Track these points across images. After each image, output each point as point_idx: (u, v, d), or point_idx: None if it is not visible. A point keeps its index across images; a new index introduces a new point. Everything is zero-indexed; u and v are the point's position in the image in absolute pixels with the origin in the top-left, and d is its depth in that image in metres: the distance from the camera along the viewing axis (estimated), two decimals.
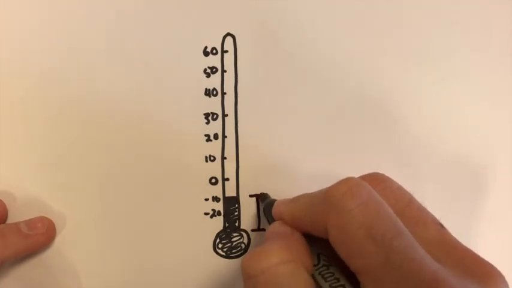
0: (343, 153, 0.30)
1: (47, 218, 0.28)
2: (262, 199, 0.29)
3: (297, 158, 0.29)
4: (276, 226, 0.23)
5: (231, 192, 0.29)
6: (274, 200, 0.26)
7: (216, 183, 0.29)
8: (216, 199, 0.29)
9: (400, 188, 0.21)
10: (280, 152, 0.29)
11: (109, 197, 0.29)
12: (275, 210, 0.25)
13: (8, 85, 0.28)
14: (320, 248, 0.21)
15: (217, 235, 0.29)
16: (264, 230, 0.29)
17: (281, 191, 0.29)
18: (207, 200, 0.29)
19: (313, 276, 0.20)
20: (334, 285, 0.19)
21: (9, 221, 0.28)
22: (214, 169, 0.29)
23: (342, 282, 0.19)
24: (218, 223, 0.29)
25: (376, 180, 0.21)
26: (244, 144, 0.29)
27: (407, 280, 0.16)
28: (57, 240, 0.29)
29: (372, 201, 0.19)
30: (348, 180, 0.19)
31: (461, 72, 0.30)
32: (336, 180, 0.29)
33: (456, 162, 0.31)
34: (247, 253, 0.20)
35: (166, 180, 0.29)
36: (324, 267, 0.20)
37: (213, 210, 0.29)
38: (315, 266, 0.20)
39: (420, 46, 0.30)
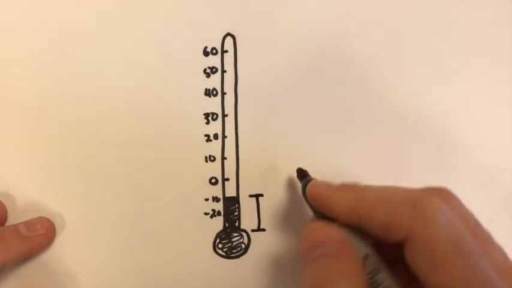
0: (343, 153, 0.30)
1: (46, 219, 0.28)
2: (301, 176, 0.27)
3: (297, 158, 0.29)
4: (321, 231, 0.22)
5: (231, 192, 0.29)
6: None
7: (216, 183, 0.29)
8: (216, 199, 0.29)
9: (467, 210, 0.21)
10: (280, 152, 0.29)
11: (109, 197, 0.29)
12: (315, 191, 0.24)
13: (7, 86, 0.28)
14: (365, 244, 0.21)
15: (217, 235, 0.29)
16: (264, 230, 0.29)
17: (281, 191, 0.29)
18: (207, 200, 0.29)
19: None
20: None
21: (9, 221, 0.28)
22: (214, 169, 0.29)
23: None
24: (218, 223, 0.29)
25: (450, 196, 0.21)
26: (244, 144, 0.29)
27: None
28: (57, 240, 0.29)
29: (461, 219, 0.19)
30: (443, 192, 0.20)
31: (461, 72, 0.30)
32: (336, 180, 0.29)
33: (456, 162, 0.31)
34: (303, 279, 0.20)
35: (166, 180, 0.29)
36: (371, 275, 0.20)
37: (213, 210, 0.29)
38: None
39: (419, 46, 0.30)
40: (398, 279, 0.21)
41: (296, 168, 0.28)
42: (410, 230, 0.19)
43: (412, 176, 0.30)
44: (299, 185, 0.29)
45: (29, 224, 0.27)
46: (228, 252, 0.29)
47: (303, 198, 0.26)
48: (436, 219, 0.19)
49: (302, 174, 0.28)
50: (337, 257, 0.20)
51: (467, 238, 0.19)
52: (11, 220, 0.28)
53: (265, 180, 0.29)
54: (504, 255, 0.20)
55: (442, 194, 0.21)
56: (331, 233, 0.21)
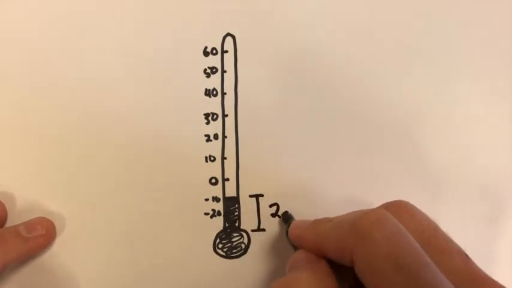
0: (343, 153, 0.30)
1: (46, 219, 0.28)
2: (285, 219, 0.29)
3: (297, 158, 0.29)
4: (300, 253, 0.23)
5: (231, 192, 0.29)
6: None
7: (216, 183, 0.29)
8: (216, 199, 0.29)
9: (425, 218, 0.22)
10: (280, 152, 0.29)
11: (109, 198, 0.29)
12: (292, 232, 0.25)
13: (7, 86, 0.28)
14: (346, 276, 0.21)
15: (217, 235, 0.29)
16: (264, 230, 0.29)
17: (281, 191, 0.29)
18: (207, 200, 0.29)
19: None
20: None
21: (9, 221, 0.28)
22: (214, 169, 0.29)
23: None
24: (218, 223, 0.29)
25: (401, 209, 0.21)
26: (244, 144, 0.29)
27: None
28: (57, 241, 0.29)
29: (398, 233, 0.19)
30: (375, 212, 0.20)
31: (461, 72, 0.30)
32: (336, 181, 0.29)
33: (456, 162, 0.31)
34: (275, 282, 0.21)
35: (166, 180, 0.29)
36: None
37: (213, 210, 0.29)
38: None
39: (419, 46, 0.30)
40: None
41: (296, 168, 0.28)
42: (353, 252, 0.20)
43: (412, 176, 0.30)
44: (299, 184, 0.29)
45: (29, 225, 0.27)
46: (228, 252, 0.29)
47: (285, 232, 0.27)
48: (372, 236, 0.19)
49: (286, 217, 0.29)
50: (314, 266, 0.21)
51: (411, 250, 0.18)
52: (11, 220, 0.28)
53: (265, 180, 0.29)
54: (464, 262, 0.20)
55: (390, 207, 0.21)
56: (312, 255, 0.23)
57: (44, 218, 0.28)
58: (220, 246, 0.29)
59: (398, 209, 0.21)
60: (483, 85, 0.31)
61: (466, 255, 0.20)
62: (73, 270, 0.29)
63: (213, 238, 0.29)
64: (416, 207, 0.22)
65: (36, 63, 0.28)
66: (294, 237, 0.25)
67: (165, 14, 0.28)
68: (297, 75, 0.29)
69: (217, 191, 0.29)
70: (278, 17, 0.29)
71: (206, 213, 0.29)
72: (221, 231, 0.29)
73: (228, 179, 0.29)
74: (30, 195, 0.28)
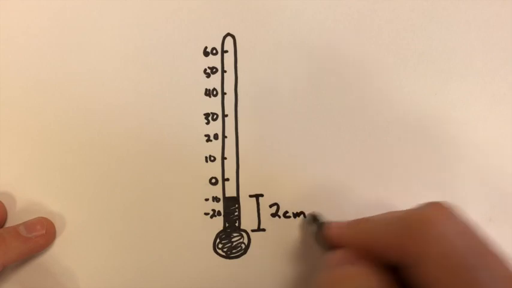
0: (344, 152, 0.30)
1: (46, 219, 0.28)
2: (313, 219, 0.28)
3: (297, 158, 0.29)
4: (342, 252, 0.22)
5: (231, 192, 0.29)
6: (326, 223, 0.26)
7: (216, 183, 0.29)
8: (216, 199, 0.29)
9: (465, 220, 0.21)
10: (280, 152, 0.29)
11: (109, 198, 0.29)
12: (333, 231, 0.24)
13: (7, 86, 0.28)
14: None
15: (217, 235, 0.29)
16: (264, 230, 0.29)
17: (281, 191, 0.29)
18: (207, 200, 0.29)
19: None
20: None
21: (9, 221, 0.28)
22: (214, 169, 0.29)
23: None
24: (218, 223, 0.29)
25: (449, 209, 0.20)
26: (244, 144, 0.29)
27: None
28: (57, 241, 0.29)
29: (469, 228, 0.18)
30: (438, 206, 0.19)
31: (461, 72, 0.30)
32: (336, 181, 0.29)
33: (456, 162, 0.31)
34: (323, 273, 0.20)
35: (167, 180, 0.29)
36: None
37: (213, 210, 0.29)
38: None
39: (419, 46, 0.30)
40: None
41: (296, 168, 0.28)
42: (421, 250, 0.19)
43: (412, 177, 0.30)
44: (299, 184, 0.29)
45: (29, 225, 0.27)
46: (228, 252, 0.29)
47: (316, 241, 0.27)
48: (445, 232, 0.18)
49: (314, 218, 0.28)
50: (360, 263, 0.20)
51: (485, 247, 0.18)
52: (11, 220, 0.28)
53: (265, 180, 0.29)
54: (503, 265, 0.19)
55: (438, 207, 0.20)
56: (353, 255, 0.22)
57: (43, 218, 0.28)
58: (220, 246, 0.29)
59: (446, 207, 0.20)
60: (483, 85, 0.31)
61: (502, 257, 0.19)
62: (73, 270, 0.29)
63: (213, 238, 0.29)
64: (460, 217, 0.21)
65: (35, 64, 0.28)
66: (335, 236, 0.24)
67: (165, 14, 0.28)
68: (297, 75, 0.29)
69: (217, 191, 0.29)
70: (278, 17, 0.29)
71: (206, 213, 0.29)
72: (221, 231, 0.29)
73: (228, 179, 0.29)
74: (30, 195, 0.28)
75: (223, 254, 0.29)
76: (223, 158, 0.29)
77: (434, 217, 0.19)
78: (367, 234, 0.22)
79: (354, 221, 0.23)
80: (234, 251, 0.29)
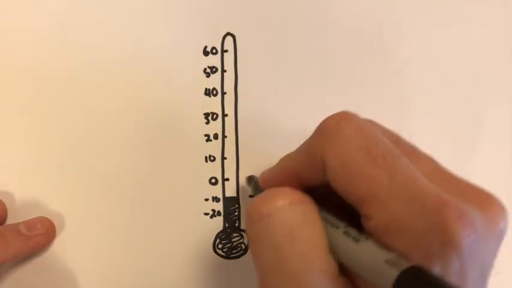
0: None
1: (46, 219, 0.28)
2: (249, 180, 0.28)
3: None
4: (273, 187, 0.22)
5: (231, 192, 0.29)
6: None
7: (216, 183, 0.29)
8: (216, 199, 0.29)
9: (387, 128, 0.21)
10: (280, 152, 0.29)
11: (109, 198, 0.29)
12: (261, 178, 0.24)
13: (7, 85, 0.28)
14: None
15: (217, 235, 0.29)
16: None
17: None
18: (207, 200, 0.29)
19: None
20: (338, 225, 0.19)
21: (9, 221, 0.28)
22: (214, 169, 0.29)
23: (344, 224, 0.19)
24: (218, 223, 0.29)
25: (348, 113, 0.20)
26: (244, 144, 0.29)
27: (413, 201, 0.16)
28: (57, 240, 0.29)
29: (367, 127, 0.18)
30: (339, 112, 0.19)
31: (461, 72, 0.30)
32: None
33: (456, 162, 0.31)
34: (255, 197, 0.20)
35: (166, 180, 0.29)
36: (325, 215, 0.20)
37: (213, 210, 0.29)
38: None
39: (419, 45, 0.30)
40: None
41: None
42: (324, 154, 0.19)
43: None
44: None
45: (29, 224, 0.27)
46: (228, 253, 0.29)
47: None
48: (341, 131, 0.18)
49: (250, 178, 0.28)
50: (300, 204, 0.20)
51: (382, 142, 0.18)
52: (11, 220, 0.28)
53: None
54: (432, 163, 0.19)
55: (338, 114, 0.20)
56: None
57: (44, 217, 0.28)
58: (220, 246, 0.29)
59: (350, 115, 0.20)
60: (483, 85, 0.31)
61: (433, 159, 0.20)
62: (72, 270, 0.29)
63: (213, 238, 0.29)
64: (378, 122, 0.22)
65: (36, 63, 0.28)
66: (264, 180, 0.23)
67: (165, 14, 0.28)
68: (297, 74, 0.29)
69: (217, 191, 0.29)
70: (278, 17, 0.29)
71: (206, 213, 0.29)
72: (221, 232, 0.29)
73: (228, 179, 0.29)
74: (30, 195, 0.28)
75: (223, 254, 0.29)
76: (223, 158, 0.29)
77: (335, 119, 0.19)
78: (288, 162, 0.22)
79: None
80: (234, 251, 0.29)
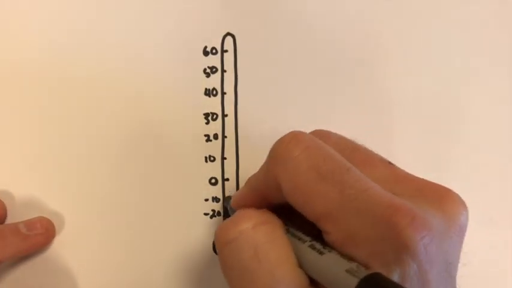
0: None
1: (46, 219, 0.28)
2: (227, 202, 0.28)
3: None
4: (240, 209, 0.22)
5: (231, 192, 0.29)
6: None
7: (216, 183, 0.29)
8: (216, 199, 0.29)
9: (342, 138, 0.21)
10: None
11: (108, 197, 0.29)
12: (233, 200, 0.24)
13: (6, 85, 0.28)
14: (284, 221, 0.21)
15: None
16: None
17: None
18: (207, 200, 0.29)
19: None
20: (304, 240, 0.19)
21: (9, 221, 0.28)
22: (214, 169, 0.29)
23: (310, 238, 0.19)
24: (218, 223, 0.29)
25: (317, 134, 0.21)
26: (244, 144, 0.29)
27: (365, 211, 0.17)
28: (56, 240, 0.29)
29: (316, 145, 0.19)
30: (288, 133, 0.20)
31: (461, 72, 0.30)
32: None
33: (456, 162, 0.31)
34: (220, 224, 0.21)
35: (166, 180, 0.29)
36: (292, 231, 0.20)
37: (213, 210, 0.29)
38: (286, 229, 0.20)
39: (419, 46, 0.30)
40: None
41: None
42: (278, 178, 0.19)
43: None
44: None
45: (29, 223, 0.27)
46: None
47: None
48: (289, 154, 0.19)
49: (227, 198, 0.29)
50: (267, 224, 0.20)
51: (331, 159, 0.18)
52: (11, 219, 0.28)
53: None
54: (388, 167, 0.19)
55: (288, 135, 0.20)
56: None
57: (43, 217, 0.28)
58: None
59: (314, 134, 0.21)
60: (483, 85, 0.31)
61: (390, 162, 0.20)
62: (72, 270, 0.29)
63: (213, 238, 0.29)
64: (332, 132, 0.22)
65: (36, 63, 0.28)
66: (234, 202, 0.24)
67: (165, 14, 0.28)
68: (297, 75, 0.29)
69: (217, 191, 0.29)
70: (278, 17, 0.29)
71: (206, 214, 0.29)
72: None
73: (228, 179, 0.29)
74: (30, 195, 0.28)
75: None
76: (223, 158, 0.29)
77: (285, 141, 0.19)
78: (252, 184, 0.22)
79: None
80: None
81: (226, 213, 0.29)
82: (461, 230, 0.18)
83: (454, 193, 0.18)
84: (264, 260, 0.18)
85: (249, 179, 0.23)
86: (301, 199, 0.18)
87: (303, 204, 0.18)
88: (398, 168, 0.20)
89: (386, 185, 0.18)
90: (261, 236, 0.19)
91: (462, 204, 0.18)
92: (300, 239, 0.19)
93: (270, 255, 0.18)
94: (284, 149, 0.19)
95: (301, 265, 0.19)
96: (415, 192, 0.18)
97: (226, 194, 0.29)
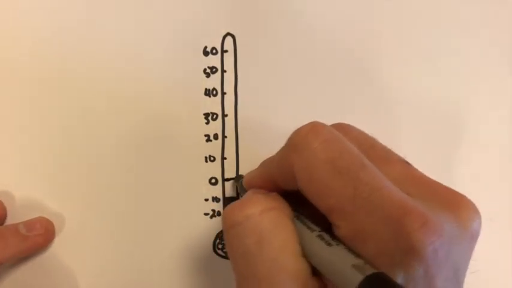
0: None
1: (45, 219, 0.28)
2: (237, 180, 0.29)
3: None
4: (251, 190, 0.23)
5: (231, 192, 0.29)
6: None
7: (216, 183, 0.29)
8: (216, 199, 0.29)
9: (362, 133, 0.21)
10: None
11: (108, 198, 0.29)
12: (245, 180, 0.24)
13: (6, 85, 0.28)
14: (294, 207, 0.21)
15: (217, 235, 0.29)
16: None
17: None
18: (207, 200, 0.29)
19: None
20: (313, 229, 0.19)
21: (8, 221, 0.28)
22: (214, 169, 0.29)
23: (319, 229, 0.19)
24: (218, 224, 0.29)
25: (337, 127, 0.21)
26: (244, 144, 0.29)
27: (377, 210, 0.17)
28: (56, 240, 0.29)
29: (335, 138, 0.19)
30: (309, 123, 0.20)
31: (461, 72, 0.30)
32: None
33: (456, 162, 0.31)
34: (229, 205, 0.21)
35: (166, 180, 0.29)
36: (302, 218, 0.20)
37: (213, 210, 0.29)
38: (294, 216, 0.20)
39: (420, 46, 0.30)
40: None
41: None
42: (293, 167, 0.19)
43: None
44: None
45: (29, 224, 0.27)
46: None
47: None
48: (308, 144, 0.19)
49: (237, 178, 0.29)
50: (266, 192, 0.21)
51: (348, 154, 0.18)
52: (11, 220, 0.28)
53: None
54: (405, 167, 0.19)
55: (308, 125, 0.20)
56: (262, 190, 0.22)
57: (43, 217, 0.28)
58: (220, 246, 0.29)
59: (335, 127, 0.21)
60: (483, 85, 0.31)
61: (407, 162, 0.20)
62: (72, 270, 0.29)
63: (213, 238, 0.29)
64: (354, 126, 0.22)
65: (36, 63, 0.28)
66: (247, 182, 0.24)
67: (165, 14, 0.28)
68: (297, 75, 0.29)
69: (217, 191, 0.29)
70: (278, 17, 0.29)
71: (206, 214, 0.29)
72: (221, 232, 0.29)
73: (228, 179, 0.29)
74: (30, 195, 0.28)
75: (223, 254, 0.29)
76: (223, 158, 0.29)
77: (304, 131, 0.19)
78: (267, 166, 0.22)
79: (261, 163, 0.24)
80: None
81: (236, 192, 0.29)
82: (473, 237, 0.18)
83: (469, 200, 0.18)
84: (267, 246, 0.19)
85: (264, 161, 0.23)
86: (314, 191, 0.18)
87: (316, 196, 0.18)
88: (416, 169, 0.20)
89: (401, 185, 0.18)
90: (266, 222, 0.19)
91: (476, 211, 0.18)
92: (308, 227, 0.19)
93: (273, 243, 0.19)
94: (303, 138, 0.19)
95: (306, 254, 0.19)
96: (430, 195, 0.18)
97: (227, 194, 0.29)
